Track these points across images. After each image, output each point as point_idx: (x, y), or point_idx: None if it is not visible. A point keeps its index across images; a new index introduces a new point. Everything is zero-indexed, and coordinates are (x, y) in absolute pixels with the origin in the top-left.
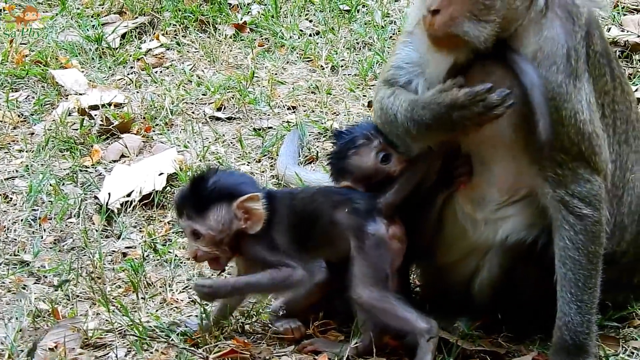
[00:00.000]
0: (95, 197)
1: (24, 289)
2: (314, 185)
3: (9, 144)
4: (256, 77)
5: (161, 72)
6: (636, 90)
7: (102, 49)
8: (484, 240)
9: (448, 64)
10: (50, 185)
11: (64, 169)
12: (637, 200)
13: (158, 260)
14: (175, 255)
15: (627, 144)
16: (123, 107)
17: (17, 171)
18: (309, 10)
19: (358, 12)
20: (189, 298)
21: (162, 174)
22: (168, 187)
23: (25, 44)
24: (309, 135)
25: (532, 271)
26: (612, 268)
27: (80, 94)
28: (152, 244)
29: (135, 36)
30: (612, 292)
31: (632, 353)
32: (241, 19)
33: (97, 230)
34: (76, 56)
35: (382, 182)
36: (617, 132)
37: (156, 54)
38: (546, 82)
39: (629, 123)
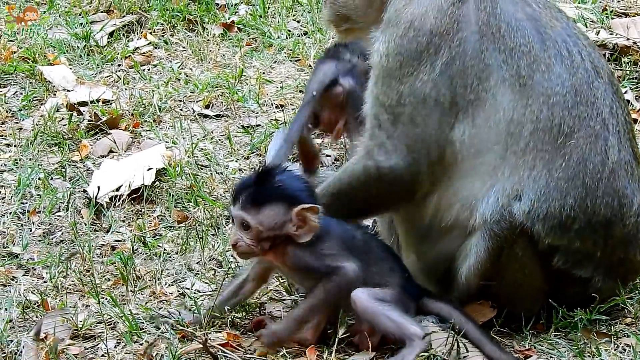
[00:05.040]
0: (84, 191)
1: (13, 280)
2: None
3: None
4: (244, 75)
5: (149, 70)
6: (625, 92)
7: (90, 47)
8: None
9: None
10: (39, 179)
11: (53, 164)
12: None
13: (147, 254)
14: (164, 249)
15: None
16: (111, 104)
17: (5, 165)
18: (296, 11)
19: None
20: (178, 291)
21: (150, 169)
22: (157, 182)
23: (14, 41)
24: None
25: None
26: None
27: (68, 90)
28: (141, 237)
29: (123, 34)
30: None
31: (624, 350)
32: (229, 18)
33: (85, 224)
34: (64, 53)
35: None
36: None
37: (144, 52)
38: None
39: None
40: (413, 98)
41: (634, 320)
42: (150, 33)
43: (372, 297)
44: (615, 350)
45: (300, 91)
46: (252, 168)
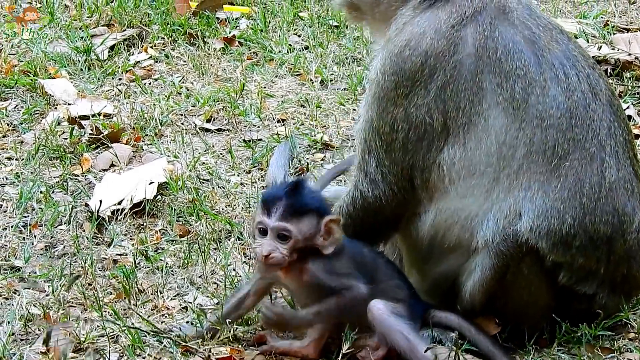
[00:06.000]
0: (86, 205)
1: (15, 293)
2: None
3: None
4: (245, 89)
5: (150, 83)
6: (627, 108)
7: (91, 60)
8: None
9: None
10: (41, 192)
11: (54, 177)
12: None
13: (149, 267)
14: (166, 263)
15: None
16: (112, 118)
17: (7, 178)
18: (297, 25)
19: (347, 27)
20: (180, 305)
21: (152, 182)
22: (159, 196)
23: (14, 54)
24: (299, 147)
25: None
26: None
27: (69, 104)
28: (143, 251)
29: (124, 48)
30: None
31: None
32: (230, 32)
33: (87, 238)
34: (65, 67)
35: None
36: None
37: (145, 66)
38: None
39: None
40: (406, 124)
41: (637, 335)
42: (151, 47)
43: (389, 311)
44: None
45: (301, 105)
46: (254, 182)
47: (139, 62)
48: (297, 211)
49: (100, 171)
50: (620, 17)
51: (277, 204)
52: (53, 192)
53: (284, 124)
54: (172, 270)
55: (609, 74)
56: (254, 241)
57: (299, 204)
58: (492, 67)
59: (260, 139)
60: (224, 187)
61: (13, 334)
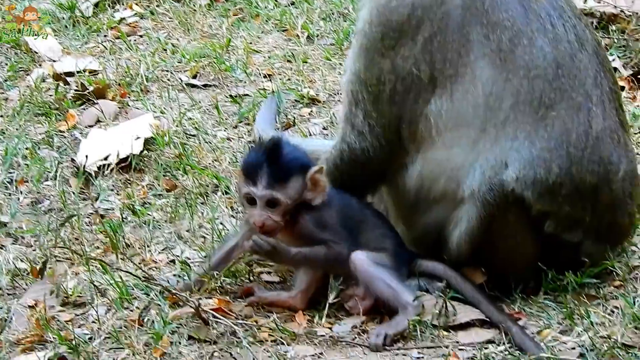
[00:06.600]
0: (72, 160)
1: (2, 248)
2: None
3: None
4: (231, 45)
5: (135, 40)
6: (613, 60)
7: (76, 17)
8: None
9: None
10: (26, 148)
11: (40, 133)
12: None
13: (136, 222)
14: (153, 218)
15: None
16: (98, 74)
17: None
18: None
19: None
20: (168, 259)
21: (139, 138)
22: (145, 151)
23: None
24: (286, 102)
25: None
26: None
27: (54, 61)
28: (130, 205)
29: (109, 5)
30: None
31: (613, 312)
32: None
33: (74, 193)
34: (49, 24)
35: None
36: None
37: (130, 23)
38: None
39: None
40: (393, 76)
41: (622, 282)
42: (136, 4)
43: (371, 260)
44: (604, 312)
45: (288, 61)
46: (240, 137)
47: (124, 18)
48: (282, 177)
49: (86, 127)
50: None
51: (260, 172)
52: (39, 148)
53: (270, 79)
54: (159, 225)
55: (595, 27)
56: (244, 210)
57: (283, 169)
58: (480, 19)
59: (247, 94)
60: (210, 142)
61: (0, 288)
